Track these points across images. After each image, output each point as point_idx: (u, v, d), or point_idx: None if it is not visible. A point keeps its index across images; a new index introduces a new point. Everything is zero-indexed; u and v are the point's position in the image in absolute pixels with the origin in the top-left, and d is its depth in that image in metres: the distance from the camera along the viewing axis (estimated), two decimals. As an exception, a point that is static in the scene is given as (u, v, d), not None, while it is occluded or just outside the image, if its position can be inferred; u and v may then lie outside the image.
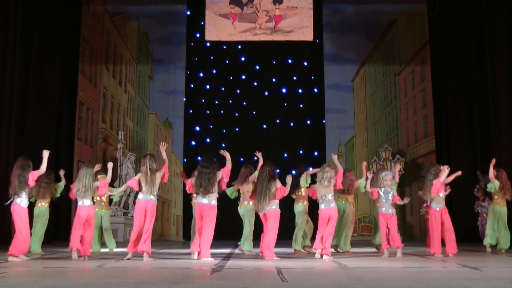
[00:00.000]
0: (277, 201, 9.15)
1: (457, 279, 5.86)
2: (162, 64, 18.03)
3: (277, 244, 9.35)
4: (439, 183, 9.52)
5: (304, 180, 10.30)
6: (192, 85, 18.02)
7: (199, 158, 17.24)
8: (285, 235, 10.89)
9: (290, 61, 18.30)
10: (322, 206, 9.10)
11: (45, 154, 8.84)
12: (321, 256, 8.93)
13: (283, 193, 9.11)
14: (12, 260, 8.28)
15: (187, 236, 16.55)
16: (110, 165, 9.26)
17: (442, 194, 9.62)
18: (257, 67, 18.25)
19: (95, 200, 10.34)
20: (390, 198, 9.53)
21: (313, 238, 9.98)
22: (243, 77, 18.19)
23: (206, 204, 8.74)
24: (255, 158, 10.49)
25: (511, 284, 5.32)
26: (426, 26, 17.65)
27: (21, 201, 8.78)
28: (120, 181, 16.32)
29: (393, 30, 18.08)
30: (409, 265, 7.83)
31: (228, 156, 9.04)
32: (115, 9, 17.99)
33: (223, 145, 17.54)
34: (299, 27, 16.72)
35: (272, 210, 9.11)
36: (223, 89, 18.11)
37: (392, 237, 9.46)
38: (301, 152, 17.52)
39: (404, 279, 5.86)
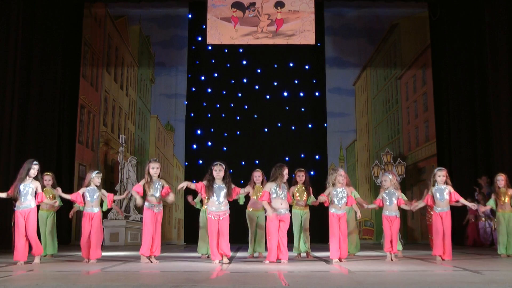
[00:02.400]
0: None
1: (458, 282, 5.87)
2: (164, 68, 18.02)
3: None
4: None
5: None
6: (193, 89, 18.00)
7: (200, 161, 17.29)
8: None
9: (291, 64, 18.28)
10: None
11: None
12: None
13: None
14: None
15: (188, 240, 16.57)
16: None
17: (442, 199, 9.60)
18: (259, 71, 18.23)
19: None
20: (394, 200, 9.46)
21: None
22: (245, 80, 18.18)
23: None
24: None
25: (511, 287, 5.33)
26: (427, 30, 17.69)
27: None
28: (121, 184, 16.30)
29: (395, 34, 18.09)
30: (410, 268, 7.83)
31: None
32: (117, 12, 17.99)
33: (225, 148, 17.62)
34: (300, 30, 16.70)
35: None
36: (224, 92, 18.08)
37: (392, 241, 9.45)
38: (302, 155, 17.48)
39: (405, 283, 5.86)
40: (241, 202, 10.35)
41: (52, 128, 15.38)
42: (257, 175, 10.50)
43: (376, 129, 17.98)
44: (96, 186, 9.40)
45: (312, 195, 10.32)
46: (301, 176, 10.35)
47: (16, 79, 13.52)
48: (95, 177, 9.40)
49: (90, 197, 9.32)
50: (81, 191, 9.40)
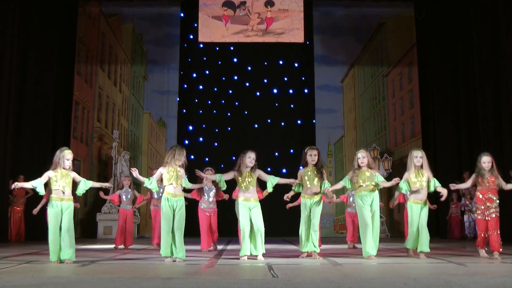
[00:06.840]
0: None
1: (443, 274, 6.06)
2: (156, 65, 18.18)
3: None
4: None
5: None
6: (185, 86, 18.15)
7: (192, 157, 17.46)
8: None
9: (281, 62, 18.48)
10: None
11: None
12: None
13: None
14: None
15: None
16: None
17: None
18: (249, 68, 18.42)
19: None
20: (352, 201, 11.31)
21: None
22: (235, 77, 18.34)
23: None
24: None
25: (494, 279, 5.50)
26: (413, 29, 17.90)
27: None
28: (114, 179, 16.50)
29: (382, 33, 18.34)
30: (397, 261, 7.99)
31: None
32: (111, 10, 18.10)
33: (215, 144, 17.85)
34: (290, 29, 16.91)
35: None
36: (215, 89, 18.25)
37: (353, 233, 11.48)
38: (291, 151, 17.61)
39: (391, 275, 6.07)
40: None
41: (47, 124, 15.49)
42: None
43: (363, 125, 18.24)
44: (129, 187, 11.83)
45: (326, 181, 8.61)
46: (313, 156, 8.54)
47: (12, 77, 13.64)
48: (122, 180, 12.26)
49: (125, 197, 11.78)
50: (117, 192, 11.87)
